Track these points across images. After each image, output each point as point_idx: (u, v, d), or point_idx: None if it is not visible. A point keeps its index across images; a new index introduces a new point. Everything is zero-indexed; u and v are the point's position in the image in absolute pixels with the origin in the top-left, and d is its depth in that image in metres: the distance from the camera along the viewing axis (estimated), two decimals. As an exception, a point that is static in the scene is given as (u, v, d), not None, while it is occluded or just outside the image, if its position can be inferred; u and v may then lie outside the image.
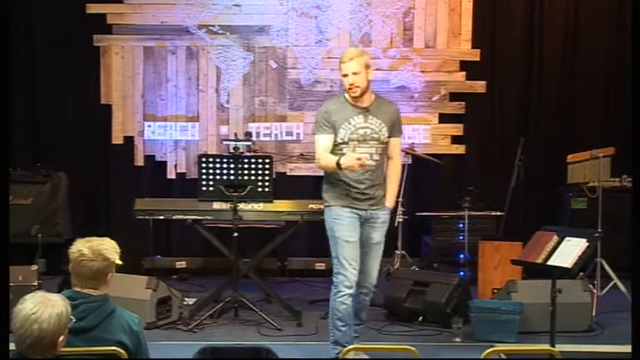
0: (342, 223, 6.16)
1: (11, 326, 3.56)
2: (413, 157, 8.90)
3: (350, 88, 6.15)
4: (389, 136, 6.26)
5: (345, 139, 6.15)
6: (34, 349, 3.54)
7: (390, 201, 6.31)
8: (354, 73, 6.11)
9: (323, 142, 6.18)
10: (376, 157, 6.19)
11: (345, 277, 6.09)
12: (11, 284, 6.78)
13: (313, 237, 8.98)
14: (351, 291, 6.13)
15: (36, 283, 6.92)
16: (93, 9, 9.48)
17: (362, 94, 6.16)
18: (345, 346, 6.12)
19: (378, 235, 6.27)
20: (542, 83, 9.73)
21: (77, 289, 4.10)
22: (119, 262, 6.61)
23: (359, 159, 5.90)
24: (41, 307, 3.54)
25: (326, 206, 6.28)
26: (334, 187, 6.23)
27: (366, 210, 6.19)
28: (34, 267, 7.11)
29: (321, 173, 9.12)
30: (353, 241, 6.13)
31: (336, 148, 6.17)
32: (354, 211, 6.17)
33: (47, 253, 7.14)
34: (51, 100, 9.56)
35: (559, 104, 9.74)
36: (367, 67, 6.16)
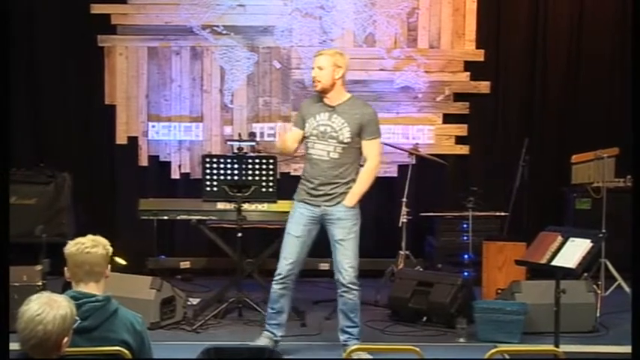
0: (291, 216, 6.50)
1: (15, 326, 3.56)
2: (417, 158, 8.88)
3: (313, 81, 6.46)
4: (355, 138, 6.34)
5: (308, 134, 6.42)
6: (38, 350, 3.54)
7: (348, 199, 6.36)
8: (319, 68, 6.38)
9: (291, 132, 6.60)
10: (334, 155, 6.34)
11: (278, 266, 6.48)
12: (15, 284, 6.82)
13: (316, 237, 8.95)
14: (278, 278, 6.46)
15: (40, 283, 6.93)
16: (97, 9, 9.49)
17: (325, 91, 6.39)
18: (266, 329, 6.55)
19: (339, 233, 6.36)
20: (546, 83, 9.73)
21: (80, 288, 4.09)
22: (123, 262, 6.59)
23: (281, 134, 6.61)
24: (46, 308, 3.54)
25: None
26: (299, 183, 6.52)
27: (319, 206, 6.37)
28: (39, 267, 7.12)
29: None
30: (292, 234, 6.44)
31: (304, 142, 6.51)
32: (307, 206, 6.42)
33: (51, 253, 7.13)
34: (55, 100, 9.58)
35: (563, 104, 9.73)
36: (337, 66, 6.36)
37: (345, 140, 6.31)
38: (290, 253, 6.43)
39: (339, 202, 6.34)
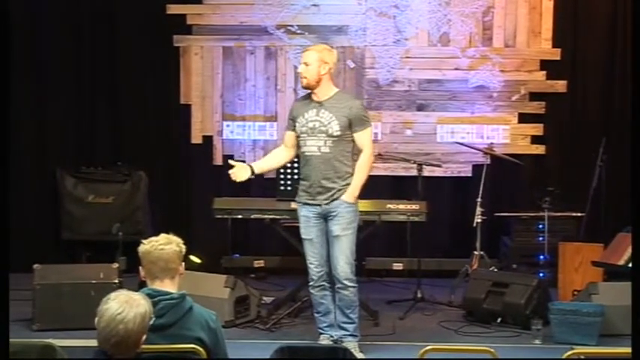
0: (300, 221, 6.50)
1: (96, 324, 3.61)
2: (492, 158, 8.80)
3: (300, 77, 6.49)
4: (346, 131, 6.31)
5: (299, 133, 6.42)
6: (119, 348, 3.59)
7: (348, 195, 6.32)
8: (305, 64, 6.38)
9: (285, 138, 6.66)
10: (325, 149, 6.32)
11: (308, 272, 6.51)
12: (92, 281, 6.96)
13: (391, 237, 8.95)
14: (312, 283, 6.50)
15: (117, 281, 7.01)
16: (173, 10, 9.57)
17: (311, 87, 6.38)
18: (321, 333, 6.54)
19: (337, 229, 6.32)
20: (624, 82, 9.56)
21: (155, 285, 4.14)
22: (197, 260, 6.60)
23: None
24: (126, 307, 3.59)
25: None
26: (299, 184, 6.58)
27: (320, 205, 6.34)
28: (115, 265, 7.21)
29: (399, 173, 9.13)
30: (307, 238, 6.45)
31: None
32: (308, 207, 6.41)
33: (128, 251, 7.22)
34: (131, 99, 9.67)
35: (642, 103, 9.57)
36: (323, 62, 6.34)
37: (335, 134, 6.29)
38: (312, 257, 6.45)
39: (337, 198, 6.31)
